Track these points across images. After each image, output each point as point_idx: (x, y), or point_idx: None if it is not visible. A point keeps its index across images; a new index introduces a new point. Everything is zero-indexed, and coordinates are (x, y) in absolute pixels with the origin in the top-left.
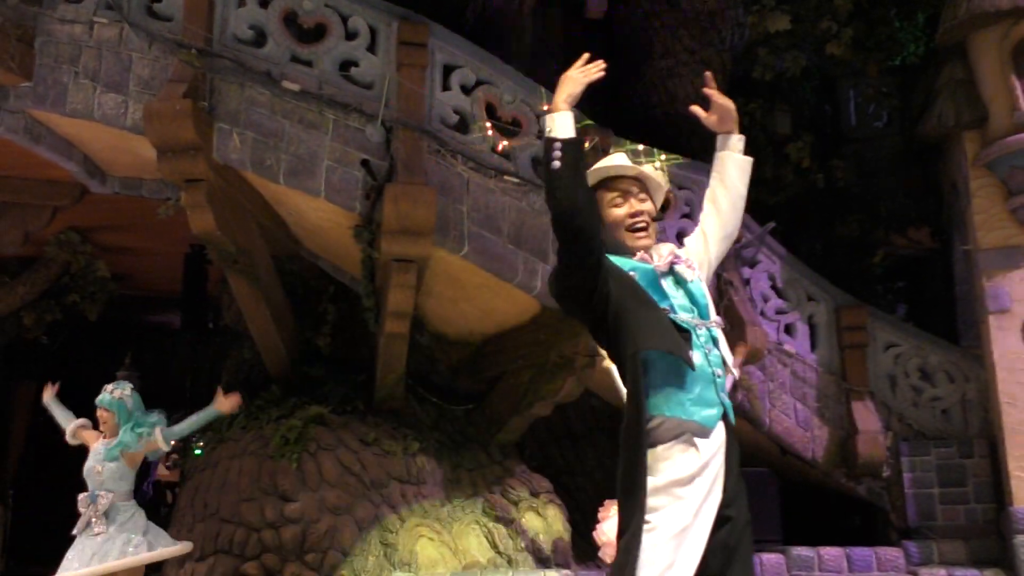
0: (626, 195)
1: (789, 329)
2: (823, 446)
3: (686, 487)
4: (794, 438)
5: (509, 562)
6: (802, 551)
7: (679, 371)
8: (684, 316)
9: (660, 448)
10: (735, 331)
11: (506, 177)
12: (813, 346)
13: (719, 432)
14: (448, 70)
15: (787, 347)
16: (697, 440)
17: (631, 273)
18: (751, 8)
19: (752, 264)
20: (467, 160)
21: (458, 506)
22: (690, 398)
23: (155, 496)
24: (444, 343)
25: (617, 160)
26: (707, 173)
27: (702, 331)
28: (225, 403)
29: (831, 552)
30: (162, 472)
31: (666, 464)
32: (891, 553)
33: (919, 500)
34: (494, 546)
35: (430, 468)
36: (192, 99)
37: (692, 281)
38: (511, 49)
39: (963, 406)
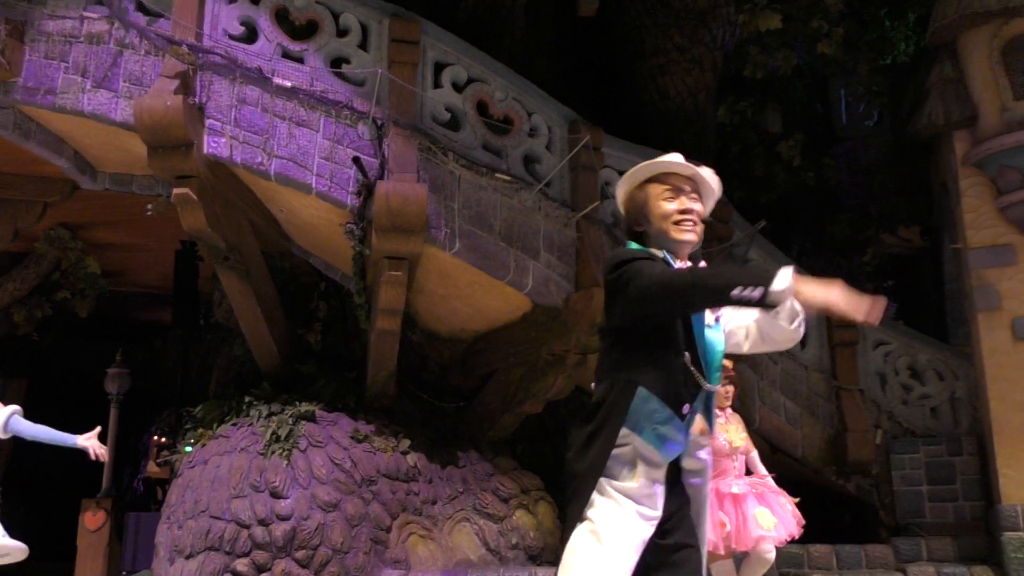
0: (678, 191)
1: None
2: (813, 443)
3: (631, 500)
4: (784, 435)
5: (500, 559)
6: (791, 548)
7: (666, 411)
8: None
9: (620, 465)
10: None
11: (497, 175)
12: (803, 344)
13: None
14: (440, 67)
15: None
16: (654, 464)
17: None
18: (742, 6)
19: (743, 263)
20: (458, 157)
21: (449, 503)
22: (662, 433)
23: (145, 493)
24: (435, 340)
25: (674, 158)
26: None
27: (701, 393)
28: (86, 442)
29: (820, 549)
30: (152, 469)
31: (623, 474)
32: (880, 550)
33: (908, 497)
34: (485, 543)
35: (421, 465)
36: (183, 95)
37: (712, 327)
38: (503, 46)
39: (952, 404)
